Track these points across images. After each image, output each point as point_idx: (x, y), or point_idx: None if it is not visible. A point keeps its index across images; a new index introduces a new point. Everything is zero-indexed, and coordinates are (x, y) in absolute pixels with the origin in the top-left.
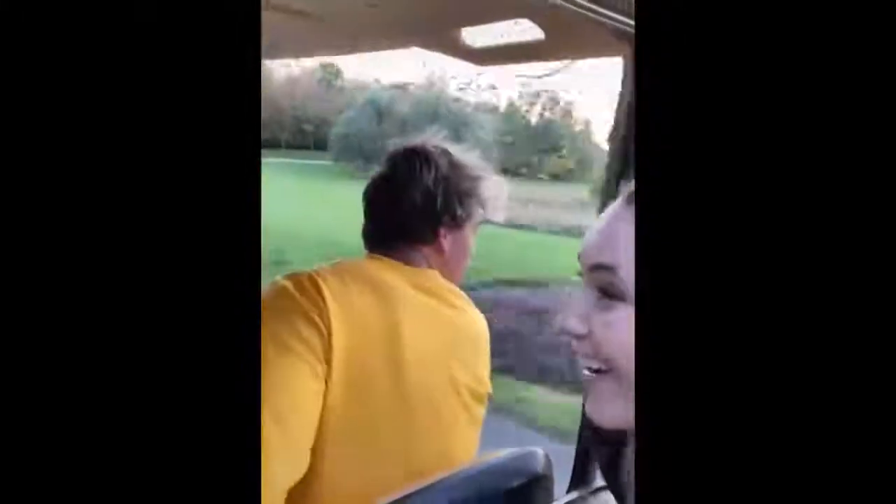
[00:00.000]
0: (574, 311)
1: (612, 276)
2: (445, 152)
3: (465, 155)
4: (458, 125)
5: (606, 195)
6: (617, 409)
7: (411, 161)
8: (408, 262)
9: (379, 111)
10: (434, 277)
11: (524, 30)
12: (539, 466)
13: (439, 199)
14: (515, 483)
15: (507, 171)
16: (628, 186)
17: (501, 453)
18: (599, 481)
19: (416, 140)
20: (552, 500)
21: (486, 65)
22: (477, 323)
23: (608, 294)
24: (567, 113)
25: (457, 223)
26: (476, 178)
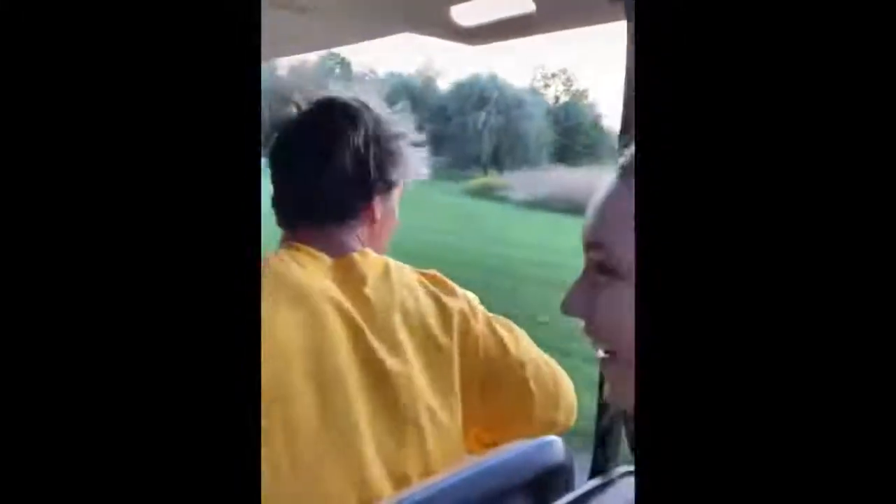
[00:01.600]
0: (575, 292)
1: (604, 254)
2: (366, 106)
3: (384, 108)
4: (511, 108)
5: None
6: (629, 391)
7: (333, 117)
8: (339, 246)
9: (412, 99)
10: (373, 263)
11: (514, 3)
12: (559, 456)
13: (372, 163)
14: (535, 474)
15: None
16: (621, 160)
17: (518, 445)
18: (621, 468)
19: (328, 92)
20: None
21: (478, 44)
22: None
23: (605, 273)
24: (581, 94)
25: (388, 188)
26: (402, 135)
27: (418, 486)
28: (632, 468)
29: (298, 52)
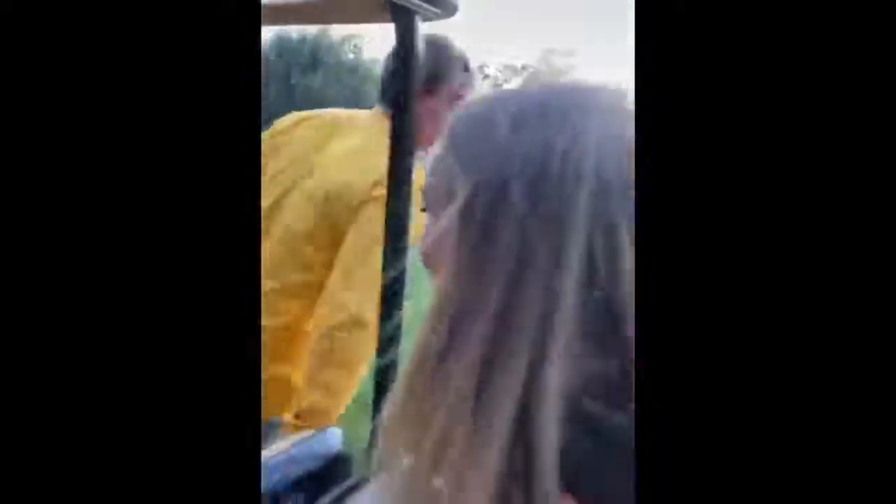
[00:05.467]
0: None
1: None
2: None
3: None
4: None
5: None
6: None
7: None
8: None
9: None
10: (350, 119)
11: None
12: (337, 446)
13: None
14: (313, 467)
15: None
16: None
17: (299, 438)
18: None
19: None
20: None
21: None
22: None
23: None
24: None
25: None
26: (449, 50)
27: None
28: None
29: (286, 23)
